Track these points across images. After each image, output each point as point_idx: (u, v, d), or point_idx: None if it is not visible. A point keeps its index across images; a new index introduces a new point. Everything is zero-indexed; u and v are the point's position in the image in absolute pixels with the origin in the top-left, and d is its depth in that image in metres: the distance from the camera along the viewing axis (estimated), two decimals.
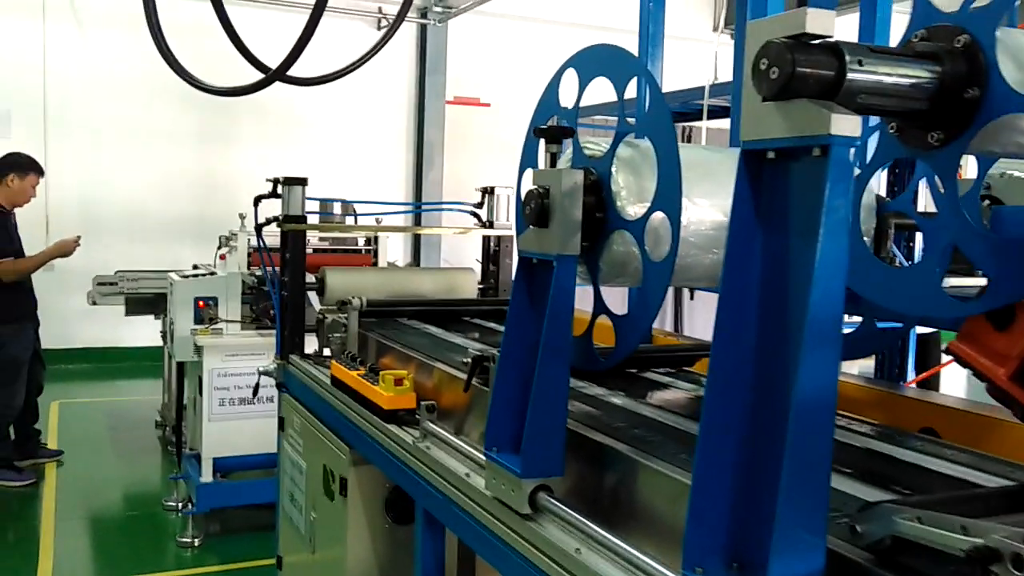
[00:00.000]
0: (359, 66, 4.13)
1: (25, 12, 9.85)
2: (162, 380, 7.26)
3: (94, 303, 6.80)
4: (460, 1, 11.17)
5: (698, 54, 10.41)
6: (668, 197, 1.69)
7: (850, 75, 1.21)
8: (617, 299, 2.03)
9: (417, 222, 10.82)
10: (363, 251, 5.86)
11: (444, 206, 4.23)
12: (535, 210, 1.84)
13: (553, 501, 1.80)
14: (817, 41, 1.22)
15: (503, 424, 1.95)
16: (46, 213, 9.66)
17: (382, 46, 4.11)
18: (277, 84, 10.62)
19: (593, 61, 1.91)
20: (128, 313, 6.84)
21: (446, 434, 2.30)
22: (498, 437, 1.96)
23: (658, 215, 1.73)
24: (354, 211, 6.01)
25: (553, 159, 1.90)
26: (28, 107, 9.84)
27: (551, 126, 1.85)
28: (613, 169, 1.83)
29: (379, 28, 11.27)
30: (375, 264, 5.76)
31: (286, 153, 10.63)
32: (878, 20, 2.92)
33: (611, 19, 12.38)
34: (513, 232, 4.13)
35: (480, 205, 4.17)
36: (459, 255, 11.43)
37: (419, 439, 2.40)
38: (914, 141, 1.43)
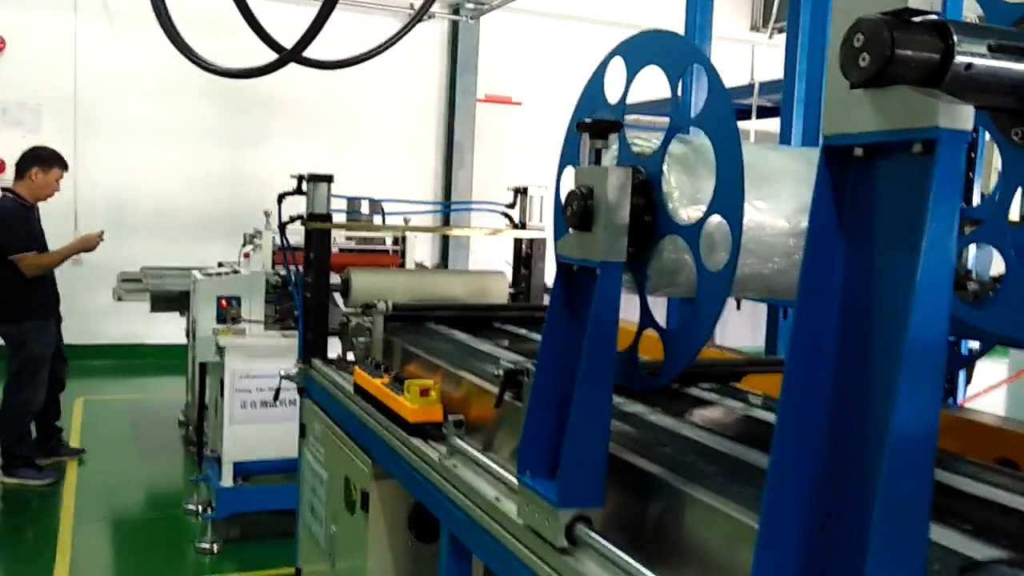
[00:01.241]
0: (379, 53, 3.99)
1: (57, 7, 9.83)
2: (186, 378, 7.16)
3: (119, 299, 6.73)
4: None
5: (735, 54, 10.18)
6: (728, 200, 1.51)
7: (958, 58, 1.03)
8: (660, 309, 1.86)
9: (446, 222, 10.67)
10: (390, 251, 5.71)
11: (475, 206, 4.04)
12: (577, 212, 1.67)
13: (592, 534, 1.63)
14: (919, 19, 1.03)
15: (538, 446, 1.79)
16: (75, 208, 9.65)
17: (404, 34, 3.97)
18: (309, 80, 10.58)
19: (643, 49, 1.74)
20: (153, 310, 6.76)
21: (475, 452, 2.13)
22: (532, 460, 1.79)
23: (715, 219, 1.55)
24: (382, 210, 5.87)
25: (598, 156, 1.73)
26: (59, 102, 9.82)
27: (596, 119, 1.68)
28: (664, 167, 1.66)
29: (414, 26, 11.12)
30: (402, 265, 5.61)
31: (316, 150, 10.52)
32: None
33: (647, 17, 12.18)
34: (548, 234, 3.96)
35: (512, 206, 4.00)
36: (489, 256, 11.29)
37: (446, 456, 2.25)
38: None
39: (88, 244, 5.91)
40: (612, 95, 1.86)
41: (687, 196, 1.64)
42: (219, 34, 6.31)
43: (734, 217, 1.50)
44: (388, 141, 11.23)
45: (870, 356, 1.10)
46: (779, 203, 1.70)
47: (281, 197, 3.67)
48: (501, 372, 2.12)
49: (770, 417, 2.15)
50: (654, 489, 1.71)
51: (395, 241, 5.74)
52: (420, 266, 5.88)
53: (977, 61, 1.04)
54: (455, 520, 2.13)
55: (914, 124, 1.01)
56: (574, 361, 1.79)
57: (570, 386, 1.79)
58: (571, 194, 1.69)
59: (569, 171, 2.00)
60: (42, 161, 5.69)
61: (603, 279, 1.64)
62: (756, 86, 2.80)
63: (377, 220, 5.97)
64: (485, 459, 2.06)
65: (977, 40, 1.05)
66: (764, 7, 12.30)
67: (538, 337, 3.39)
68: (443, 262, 11.28)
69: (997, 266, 2.02)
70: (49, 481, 5.71)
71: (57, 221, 6.67)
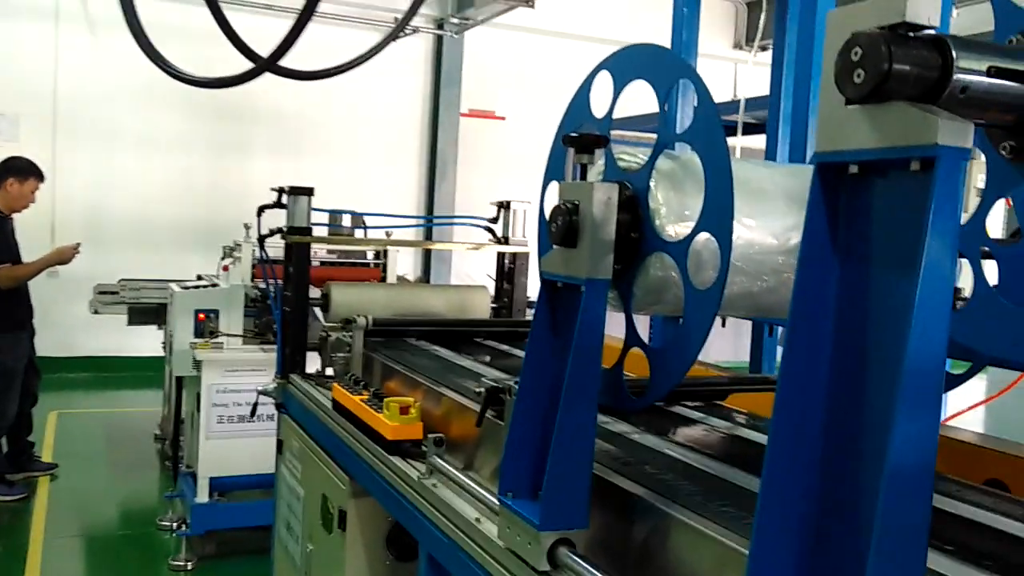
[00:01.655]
0: (357, 65, 3.95)
1: (37, 16, 9.74)
2: (163, 392, 7.06)
3: (96, 312, 6.62)
4: (477, 13, 11.02)
5: (718, 72, 10.23)
6: (717, 216, 1.48)
7: (957, 75, 1.00)
8: (644, 326, 1.83)
9: (429, 236, 10.63)
10: (372, 265, 5.65)
11: (457, 220, 4.01)
12: (562, 228, 1.63)
13: (575, 558, 1.59)
14: (918, 33, 1.01)
15: (520, 466, 1.74)
16: (52, 219, 9.54)
17: (382, 47, 3.94)
18: (292, 92, 10.51)
19: (631, 63, 1.71)
20: (131, 323, 6.67)
21: (455, 472, 2.08)
22: (514, 481, 1.74)
23: (703, 236, 1.52)
24: (364, 223, 5.82)
25: (583, 171, 1.69)
26: (37, 112, 9.72)
27: (582, 133, 1.65)
28: (652, 183, 1.63)
29: (396, 39, 11.10)
30: (384, 279, 5.56)
31: (298, 163, 10.47)
32: None
33: (632, 33, 12.24)
34: (531, 249, 3.93)
35: (495, 220, 3.97)
36: (471, 270, 11.25)
37: (425, 475, 2.19)
38: None
39: (63, 257, 5.82)
40: (598, 109, 1.83)
41: (674, 213, 1.61)
42: (196, 43, 6.25)
43: (723, 234, 1.47)
44: (371, 154, 11.19)
45: (866, 377, 1.07)
46: (768, 220, 1.67)
47: (261, 210, 3.62)
48: (482, 390, 2.08)
49: (757, 437, 2.12)
50: (639, 511, 1.67)
51: (377, 255, 5.69)
52: (402, 280, 5.83)
53: (976, 79, 1.02)
54: (434, 541, 2.08)
55: (912, 141, 0.99)
56: (558, 379, 1.75)
57: (553, 405, 1.75)
58: (556, 210, 1.65)
59: (554, 186, 1.97)
60: (18, 172, 5.60)
61: (588, 297, 1.60)
62: (742, 102, 2.79)
63: (359, 234, 5.93)
64: (465, 479, 2.02)
65: (977, 57, 1.03)
66: (748, 26, 12.39)
67: (521, 353, 3.35)
68: (425, 276, 11.23)
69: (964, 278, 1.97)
70: (20, 496, 5.59)
71: (34, 232, 6.56)
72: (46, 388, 6.20)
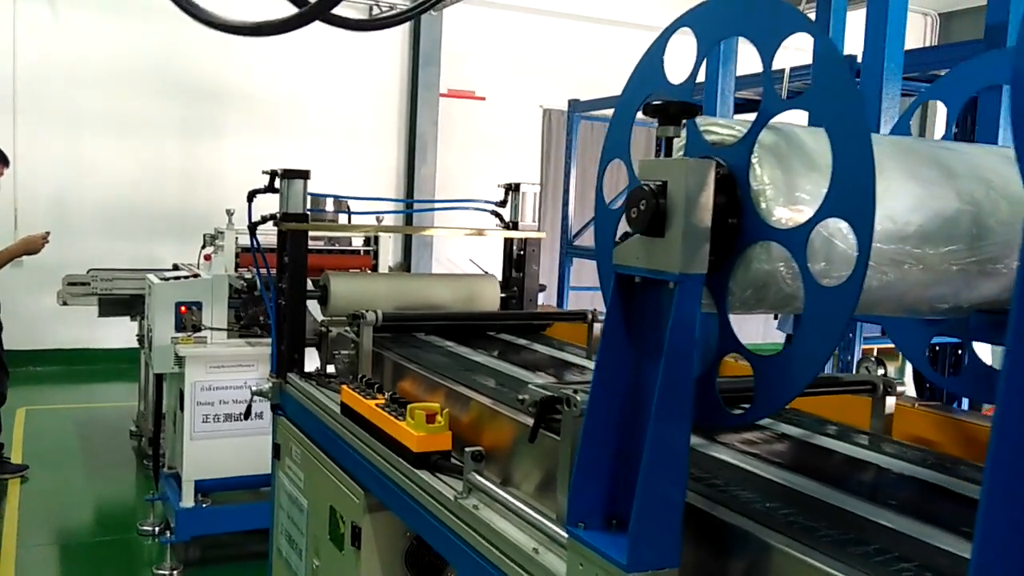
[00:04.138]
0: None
1: None
2: (138, 386, 6.73)
3: (64, 303, 6.26)
4: None
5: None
6: (853, 198, 1.23)
7: None
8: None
9: (408, 221, 10.32)
10: (361, 252, 5.36)
11: (461, 204, 3.73)
12: (646, 213, 1.38)
13: None
14: None
15: (593, 493, 1.50)
16: (15, 207, 9.11)
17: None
18: (264, 71, 10.05)
19: (722, 18, 1.45)
20: (101, 314, 6.31)
21: (501, 492, 1.83)
22: (586, 510, 1.50)
23: (830, 223, 1.27)
24: (348, 208, 5.52)
25: (668, 145, 1.44)
26: None
27: (668, 101, 1.39)
28: (754, 160, 1.38)
29: (370, 15, 10.74)
30: (375, 267, 5.27)
31: (271, 146, 10.09)
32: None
33: (614, 11, 11.98)
34: (539, 234, 3.68)
35: (503, 203, 3.69)
36: (453, 256, 10.96)
37: (462, 495, 1.94)
38: None
39: (32, 247, 5.46)
40: (673, 75, 1.58)
41: (783, 195, 1.36)
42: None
43: (862, 220, 1.22)
44: (348, 136, 10.84)
45: None
46: (883, 200, 1.42)
47: (252, 195, 3.32)
48: (528, 398, 1.82)
49: (836, 445, 1.89)
50: (731, 542, 1.43)
51: (366, 241, 5.40)
52: (397, 268, 5.55)
53: None
54: (479, 571, 1.83)
55: None
56: (633, 390, 1.51)
57: (628, 420, 1.51)
58: (637, 192, 1.40)
59: (617, 167, 1.72)
60: None
61: (682, 294, 1.35)
62: (787, 71, 2.53)
63: (343, 219, 5.63)
64: (517, 503, 1.76)
65: None
66: None
67: (540, 348, 3.10)
68: (406, 263, 10.93)
69: None
70: None
71: None
72: (12, 383, 5.85)
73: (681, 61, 1.60)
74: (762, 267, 1.37)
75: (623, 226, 1.52)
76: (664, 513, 1.37)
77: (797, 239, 1.30)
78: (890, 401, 1.99)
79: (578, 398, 1.64)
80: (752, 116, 1.41)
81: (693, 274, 1.36)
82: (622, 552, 1.39)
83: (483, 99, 11.60)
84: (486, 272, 3.79)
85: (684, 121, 1.43)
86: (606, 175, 1.76)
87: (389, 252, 5.66)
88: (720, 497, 1.55)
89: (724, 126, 1.44)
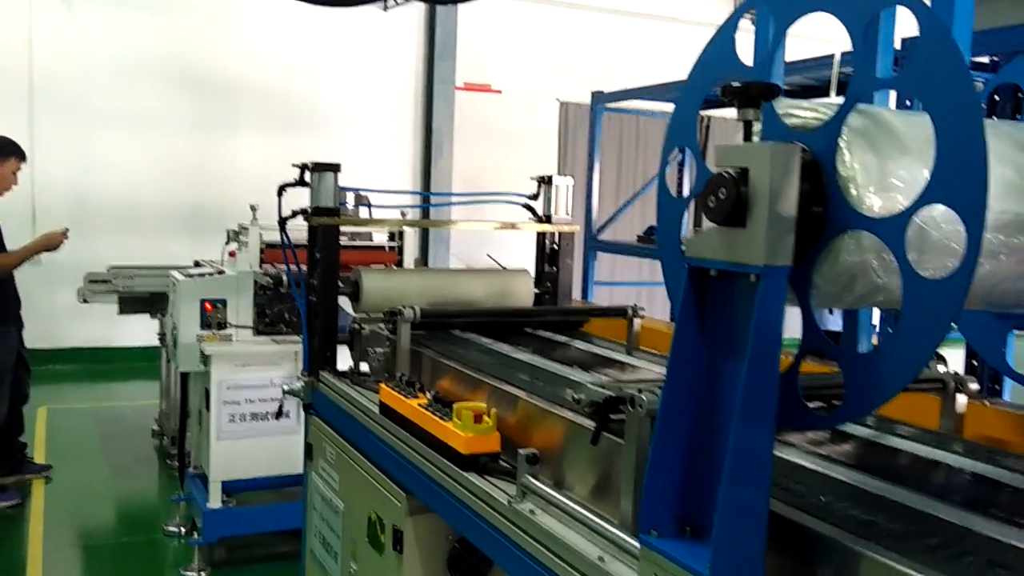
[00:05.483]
0: None
1: None
2: (159, 384, 6.68)
3: (85, 300, 6.22)
4: None
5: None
6: (961, 184, 1.14)
7: None
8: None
9: (425, 214, 10.23)
10: (386, 248, 5.28)
11: (493, 197, 3.65)
12: (726, 202, 1.30)
13: None
14: None
15: (667, 499, 1.42)
16: (32, 203, 9.07)
17: None
18: (279, 66, 9.98)
19: None
20: (122, 311, 6.27)
21: (561, 497, 1.75)
22: (659, 517, 1.42)
23: (933, 210, 1.19)
24: (368, 202, 5.44)
25: (747, 129, 1.36)
26: (12, 91, 9.19)
27: (748, 82, 1.31)
28: (842, 143, 1.29)
29: (386, 10, 10.67)
30: (400, 263, 5.20)
31: (286, 142, 10.02)
32: None
33: (631, 2, 11.85)
34: (573, 227, 3.59)
35: (535, 197, 3.61)
36: (469, 251, 10.88)
37: (516, 499, 1.86)
38: None
39: (52, 243, 5.40)
40: (745, 56, 1.49)
41: (875, 181, 1.27)
42: None
43: (972, 208, 1.13)
44: (363, 131, 10.77)
45: None
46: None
47: (282, 189, 3.26)
48: (585, 397, 1.74)
49: (925, 451, 1.79)
50: (818, 551, 1.35)
51: (391, 237, 5.32)
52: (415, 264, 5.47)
53: None
54: None
55: None
56: (706, 390, 1.43)
57: (703, 423, 1.43)
58: (716, 179, 1.32)
59: (679, 156, 1.63)
60: None
61: (766, 288, 1.27)
62: (837, 56, 2.43)
63: (363, 213, 5.55)
64: (578, 508, 1.68)
65: None
66: None
67: (580, 345, 3.02)
68: (423, 257, 10.86)
69: None
70: (13, 503, 5.23)
71: (14, 217, 6.11)
72: (33, 382, 5.80)
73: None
74: (851, 259, 1.29)
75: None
76: (748, 521, 1.30)
77: (893, 228, 1.21)
78: (961, 399, 1.90)
79: (644, 398, 1.56)
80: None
81: (778, 266, 1.28)
82: (703, 562, 1.31)
83: (499, 92, 11.50)
84: (504, 267, 3.73)
85: (766, 103, 1.34)
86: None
87: (414, 248, 5.60)
88: (799, 502, 1.47)
89: (808, 108, 1.35)
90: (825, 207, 1.31)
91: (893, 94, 2.24)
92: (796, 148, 1.27)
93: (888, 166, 1.28)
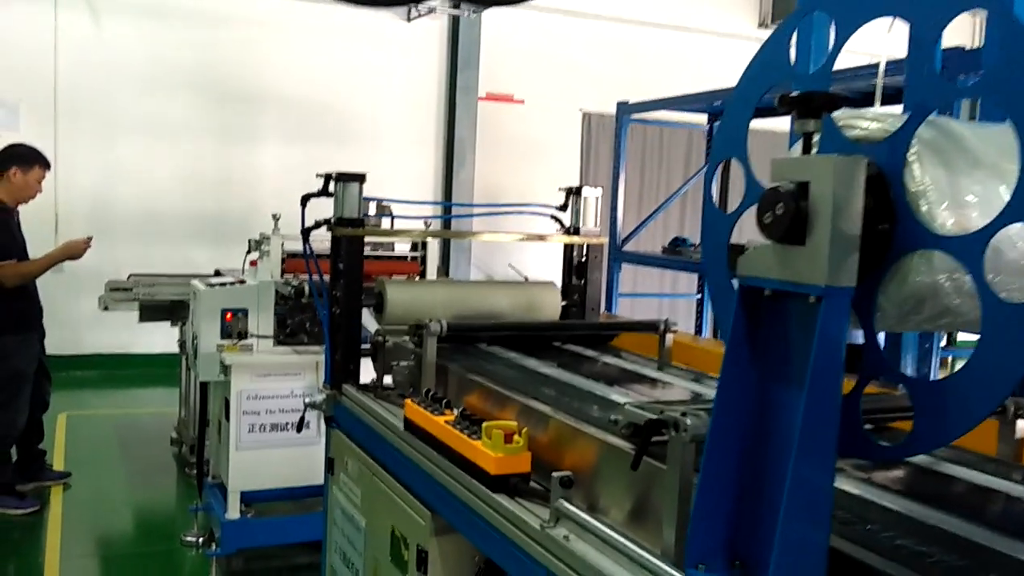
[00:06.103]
0: None
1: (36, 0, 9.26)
2: (179, 392, 6.65)
3: (106, 308, 6.21)
4: None
5: (741, 52, 9.78)
6: None
7: None
8: None
9: (447, 225, 10.17)
10: (408, 258, 5.22)
11: (520, 208, 3.58)
12: (784, 217, 1.22)
13: None
14: None
15: (714, 530, 1.34)
16: (55, 212, 9.10)
17: None
18: (302, 75, 10.00)
19: None
20: (142, 319, 6.26)
21: (598, 524, 1.67)
22: (707, 549, 1.34)
23: (1014, 229, 1.10)
24: (390, 212, 5.39)
25: (807, 141, 1.28)
26: (38, 100, 9.23)
27: (811, 92, 1.23)
28: (911, 157, 1.21)
29: (408, 20, 10.66)
30: (423, 274, 5.14)
31: (308, 151, 10.01)
32: None
33: (653, 13, 11.78)
34: (601, 240, 3.52)
35: (563, 208, 3.54)
36: (491, 261, 10.82)
37: (549, 524, 1.78)
38: None
39: (74, 251, 5.38)
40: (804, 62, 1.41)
41: (948, 197, 1.19)
42: None
43: None
44: (386, 140, 10.74)
45: None
46: None
47: (305, 199, 3.21)
48: (623, 419, 1.66)
49: (994, 482, 1.69)
50: None
51: (413, 247, 5.26)
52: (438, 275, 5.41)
53: None
54: None
55: None
56: (759, 418, 1.35)
57: (753, 451, 1.35)
58: (772, 194, 1.24)
59: (731, 167, 1.56)
60: (22, 160, 5.16)
61: (828, 311, 1.19)
62: (882, 65, 2.35)
63: (385, 223, 5.49)
64: (617, 536, 1.60)
65: None
66: (774, 4, 11.91)
67: (611, 360, 2.94)
68: (444, 268, 10.79)
69: None
70: (31, 510, 5.19)
71: (37, 225, 6.11)
72: (53, 388, 5.78)
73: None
74: (921, 279, 1.21)
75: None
76: (806, 559, 1.22)
77: (972, 248, 1.13)
78: (1021, 424, 1.81)
79: (687, 421, 1.48)
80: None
81: (841, 287, 1.20)
82: None
83: (521, 102, 11.45)
84: (526, 278, 3.66)
85: (825, 115, 1.26)
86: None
87: (435, 258, 5.53)
88: (843, 530, 1.38)
89: (873, 119, 1.27)
90: (892, 224, 1.23)
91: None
92: (862, 161, 1.19)
93: (961, 181, 1.20)
